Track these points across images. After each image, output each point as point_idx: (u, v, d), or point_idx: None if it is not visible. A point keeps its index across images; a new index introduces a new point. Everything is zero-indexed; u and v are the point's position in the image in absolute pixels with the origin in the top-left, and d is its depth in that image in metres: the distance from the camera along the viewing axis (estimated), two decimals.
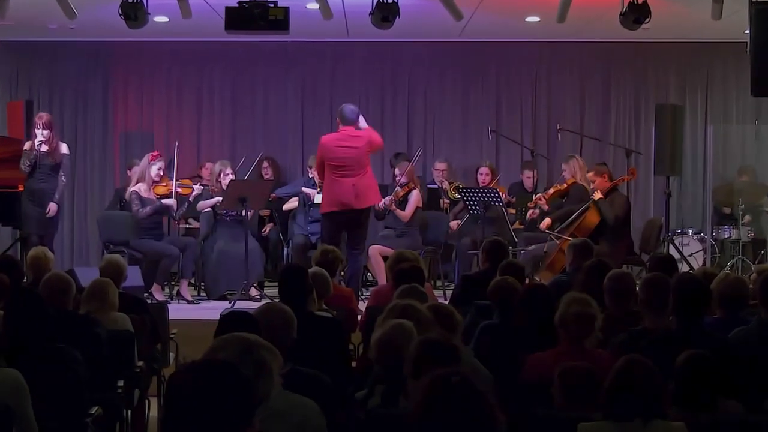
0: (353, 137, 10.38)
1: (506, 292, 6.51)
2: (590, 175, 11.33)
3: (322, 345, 5.83)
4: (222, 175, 11.42)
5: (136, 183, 11.11)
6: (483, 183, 12.59)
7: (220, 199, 11.14)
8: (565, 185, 11.64)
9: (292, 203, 12.29)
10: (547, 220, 11.35)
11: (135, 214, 11.02)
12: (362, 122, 10.53)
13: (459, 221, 12.63)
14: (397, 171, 12.00)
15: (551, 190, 11.73)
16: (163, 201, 11.06)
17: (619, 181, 11.37)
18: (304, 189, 12.02)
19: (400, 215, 11.63)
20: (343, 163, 10.30)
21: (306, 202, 11.95)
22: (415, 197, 11.71)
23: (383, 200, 11.45)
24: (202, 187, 11.42)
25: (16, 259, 8.75)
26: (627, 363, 4.13)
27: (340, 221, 10.42)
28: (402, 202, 11.69)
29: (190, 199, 11.35)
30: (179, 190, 11.22)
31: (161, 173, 11.13)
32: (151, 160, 11.11)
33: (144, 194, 11.02)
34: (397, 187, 11.72)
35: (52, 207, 10.97)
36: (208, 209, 11.47)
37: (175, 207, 11.20)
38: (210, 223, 11.61)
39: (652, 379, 4.06)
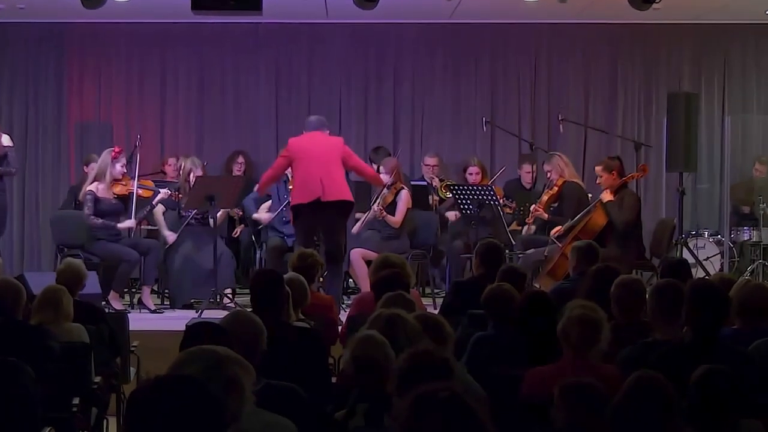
0: (324, 139, 10.58)
1: (502, 301, 6.50)
2: (598, 168, 11.26)
3: (299, 358, 5.83)
4: (192, 175, 11.40)
5: (93, 181, 11.06)
6: (473, 183, 12.32)
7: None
8: (556, 188, 11.60)
9: (263, 214, 12.17)
10: (559, 228, 11.25)
11: (86, 218, 10.99)
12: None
13: (456, 213, 12.21)
14: (382, 170, 11.82)
15: (544, 198, 11.66)
16: (119, 225, 11.04)
17: (628, 179, 11.28)
18: (255, 216, 12.12)
19: (391, 221, 11.54)
20: (312, 157, 10.37)
21: (281, 198, 11.92)
22: (404, 198, 11.63)
23: (373, 209, 11.44)
24: (169, 192, 11.36)
25: None
26: (637, 379, 4.14)
27: (311, 217, 10.39)
28: (390, 205, 11.65)
29: (153, 203, 11.33)
30: (140, 191, 11.17)
31: (124, 170, 11.11)
32: (113, 157, 11.04)
33: (101, 194, 10.97)
34: (384, 190, 11.62)
35: None
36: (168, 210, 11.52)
37: (133, 228, 11.15)
38: (174, 224, 11.57)
39: (665, 397, 4.07)
